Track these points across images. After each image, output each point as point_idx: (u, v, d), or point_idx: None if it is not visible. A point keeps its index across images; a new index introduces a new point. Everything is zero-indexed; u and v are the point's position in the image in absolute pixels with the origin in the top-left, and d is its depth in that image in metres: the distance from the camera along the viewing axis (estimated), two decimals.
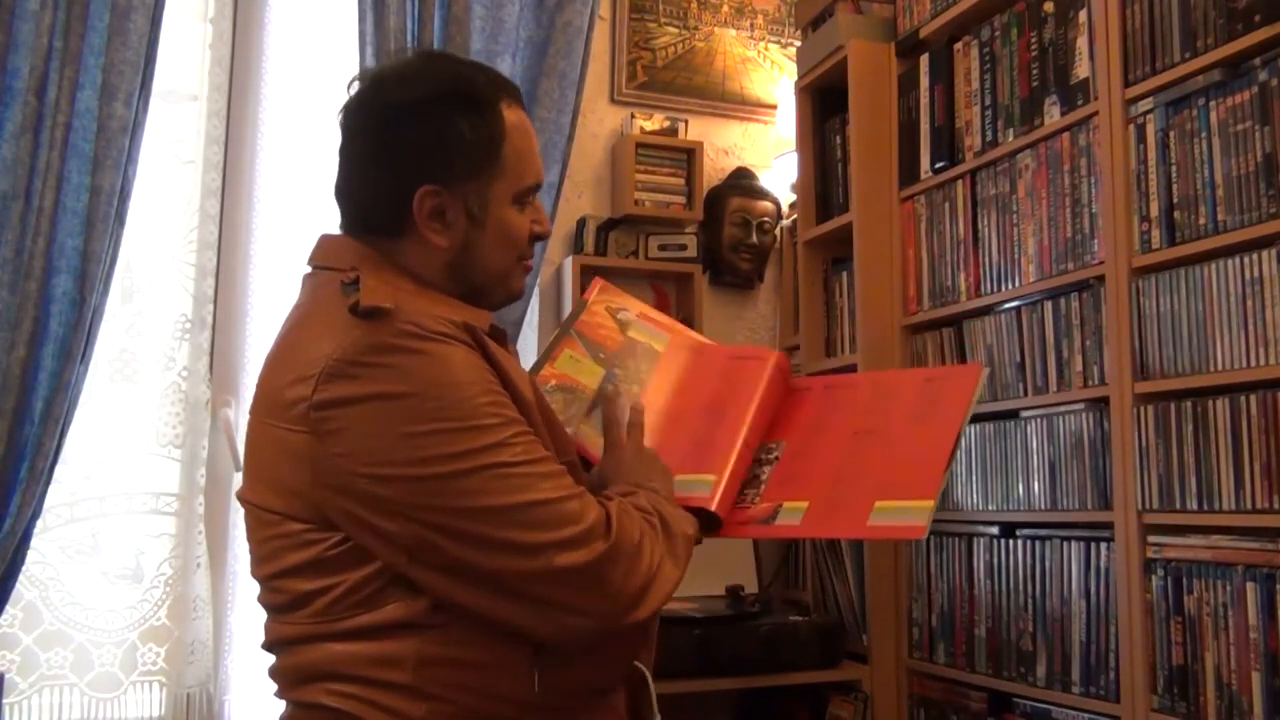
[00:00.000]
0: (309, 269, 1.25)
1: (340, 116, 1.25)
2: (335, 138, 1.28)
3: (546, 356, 1.46)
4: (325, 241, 1.26)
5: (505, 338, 1.29)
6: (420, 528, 1.06)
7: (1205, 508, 1.72)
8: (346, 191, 1.25)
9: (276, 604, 1.16)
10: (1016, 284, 2.14)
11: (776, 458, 1.41)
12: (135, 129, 2.27)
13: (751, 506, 1.36)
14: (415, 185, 1.18)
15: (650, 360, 1.49)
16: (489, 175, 1.21)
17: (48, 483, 2.18)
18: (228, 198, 2.51)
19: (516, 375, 1.16)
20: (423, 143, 1.19)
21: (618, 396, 1.38)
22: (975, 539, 2.20)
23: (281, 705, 1.18)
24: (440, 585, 1.08)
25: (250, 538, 1.19)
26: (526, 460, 1.09)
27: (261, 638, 1.20)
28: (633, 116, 2.91)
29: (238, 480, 2.44)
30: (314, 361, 1.09)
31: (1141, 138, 1.88)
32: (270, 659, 1.19)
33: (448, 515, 1.06)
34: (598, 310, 1.49)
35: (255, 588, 1.20)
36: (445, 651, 1.09)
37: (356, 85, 1.26)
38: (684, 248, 2.86)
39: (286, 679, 1.15)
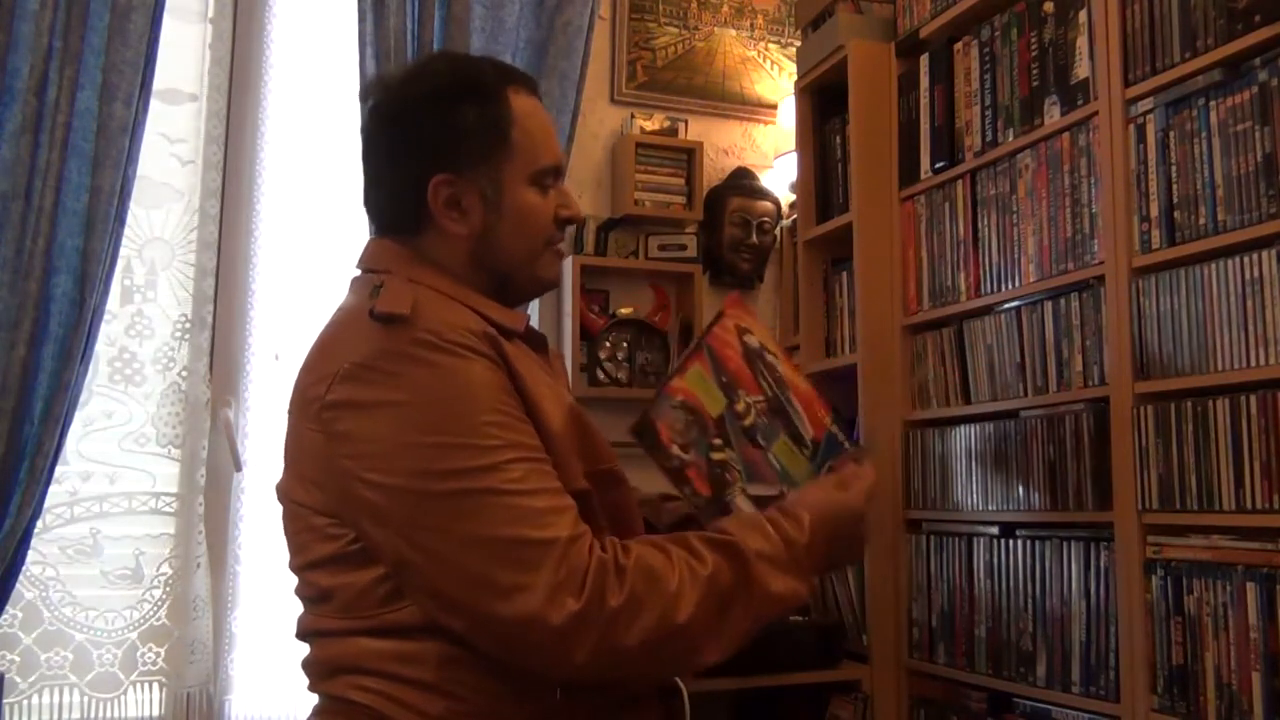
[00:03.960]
0: (358, 272, 1.27)
1: (359, 126, 1.29)
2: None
3: (678, 369, 1.37)
4: (369, 245, 1.28)
5: (544, 342, 1.28)
6: (402, 542, 1.05)
7: (1205, 508, 1.72)
8: (370, 196, 1.27)
9: (309, 596, 1.17)
10: (1016, 284, 2.14)
11: None
12: (135, 129, 2.27)
13: None
14: (428, 176, 1.19)
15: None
16: (500, 159, 1.21)
17: (48, 483, 2.19)
18: (228, 198, 2.51)
19: (541, 389, 1.13)
20: (429, 135, 1.20)
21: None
22: (975, 539, 2.20)
23: (311, 699, 1.19)
24: (422, 604, 1.08)
25: (285, 530, 1.21)
26: (518, 490, 1.04)
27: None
28: (633, 116, 2.91)
29: (238, 480, 2.45)
30: (334, 364, 1.11)
31: (1141, 138, 1.88)
32: (302, 649, 1.20)
33: (429, 534, 1.04)
34: (729, 326, 1.37)
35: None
36: (467, 653, 1.08)
37: (371, 94, 1.29)
38: (684, 248, 2.86)
39: (317, 671, 1.16)
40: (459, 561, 1.03)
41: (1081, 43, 2.01)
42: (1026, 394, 2.10)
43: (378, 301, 1.10)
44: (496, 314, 1.16)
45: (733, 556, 1.10)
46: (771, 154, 3.05)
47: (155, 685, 2.35)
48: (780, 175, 3.00)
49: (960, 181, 2.30)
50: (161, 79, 2.36)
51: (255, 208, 2.54)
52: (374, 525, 1.07)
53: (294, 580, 1.21)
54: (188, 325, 2.44)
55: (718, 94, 3.04)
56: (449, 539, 1.04)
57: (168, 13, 2.34)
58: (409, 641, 1.08)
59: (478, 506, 1.03)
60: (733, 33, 3.08)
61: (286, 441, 1.21)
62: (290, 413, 1.19)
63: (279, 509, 1.22)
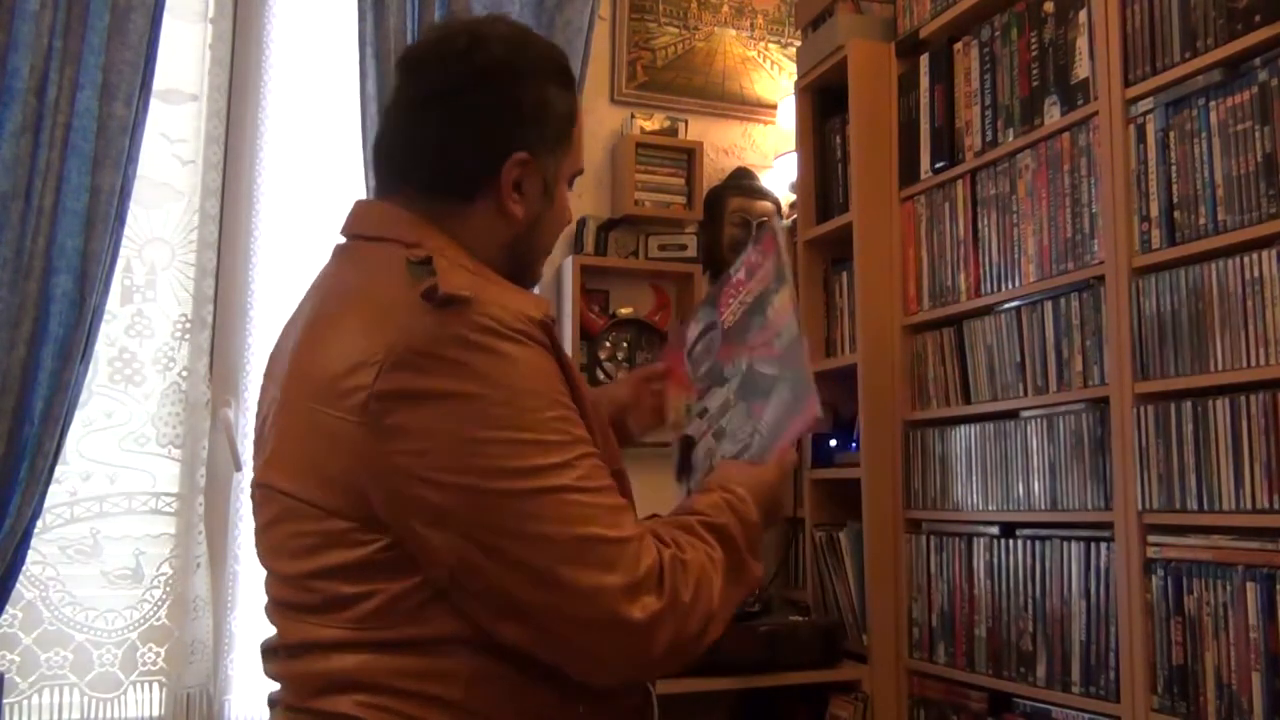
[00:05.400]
0: (343, 239, 1.16)
1: (418, 69, 1.15)
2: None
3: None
4: (368, 210, 1.17)
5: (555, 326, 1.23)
6: (468, 544, 0.97)
7: (1205, 508, 1.72)
8: (412, 150, 1.13)
9: (307, 604, 1.04)
10: (1016, 284, 2.14)
11: None
12: (135, 129, 2.27)
13: None
14: (509, 150, 1.11)
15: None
16: (563, 151, 1.17)
17: (48, 483, 2.19)
18: (228, 198, 2.51)
19: (581, 377, 1.09)
20: (523, 107, 1.13)
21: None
22: (975, 539, 2.20)
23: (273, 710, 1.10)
24: (476, 611, 0.99)
25: (274, 529, 1.08)
26: (589, 488, 1.00)
27: (265, 636, 1.11)
28: (633, 116, 2.91)
29: (238, 480, 2.44)
30: (376, 348, 0.98)
31: (1141, 138, 1.88)
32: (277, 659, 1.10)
33: (500, 536, 0.97)
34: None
35: (255, 587, 1.15)
36: (497, 669, 1.01)
37: (437, 37, 1.18)
38: (684, 248, 2.86)
39: (307, 686, 1.04)
40: (536, 564, 0.97)
41: (1081, 43, 2.01)
42: (1026, 394, 2.10)
43: (440, 280, 0.98)
44: (535, 305, 1.05)
45: (725, 541, 1.11)
46: (771, 154, 3.05)
47: (155, 685, 2.35)
48: (780, 175, 2.99)
49: (960, 181, 2.30)
50: (161, 79, 2.36)
51: (255, 208, 2.54)
52: (430, 527, 0.97)
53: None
54: (188, 325, 2.44)
55: (718, 94, 3.04)
56: (524, 541, 0.97)
57: (168, 13, 2.34)
58: (438, 658, 1.00)
59: (552, 506, 0.97)
60: (733, 33, 3.08)
61: (279, 430, 1.08)
62: (293, 397, 1.06)
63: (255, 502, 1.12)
